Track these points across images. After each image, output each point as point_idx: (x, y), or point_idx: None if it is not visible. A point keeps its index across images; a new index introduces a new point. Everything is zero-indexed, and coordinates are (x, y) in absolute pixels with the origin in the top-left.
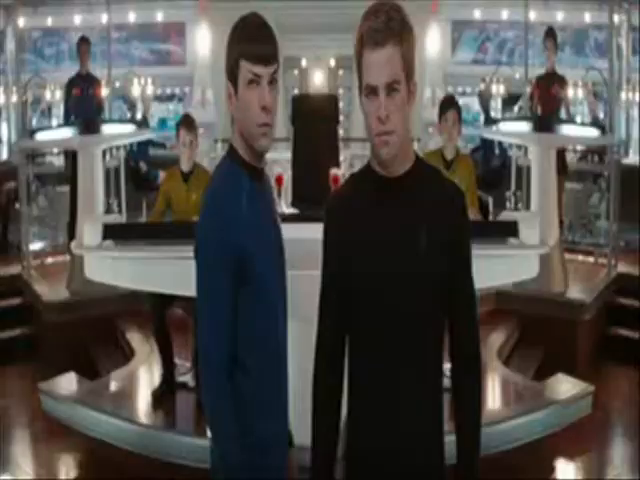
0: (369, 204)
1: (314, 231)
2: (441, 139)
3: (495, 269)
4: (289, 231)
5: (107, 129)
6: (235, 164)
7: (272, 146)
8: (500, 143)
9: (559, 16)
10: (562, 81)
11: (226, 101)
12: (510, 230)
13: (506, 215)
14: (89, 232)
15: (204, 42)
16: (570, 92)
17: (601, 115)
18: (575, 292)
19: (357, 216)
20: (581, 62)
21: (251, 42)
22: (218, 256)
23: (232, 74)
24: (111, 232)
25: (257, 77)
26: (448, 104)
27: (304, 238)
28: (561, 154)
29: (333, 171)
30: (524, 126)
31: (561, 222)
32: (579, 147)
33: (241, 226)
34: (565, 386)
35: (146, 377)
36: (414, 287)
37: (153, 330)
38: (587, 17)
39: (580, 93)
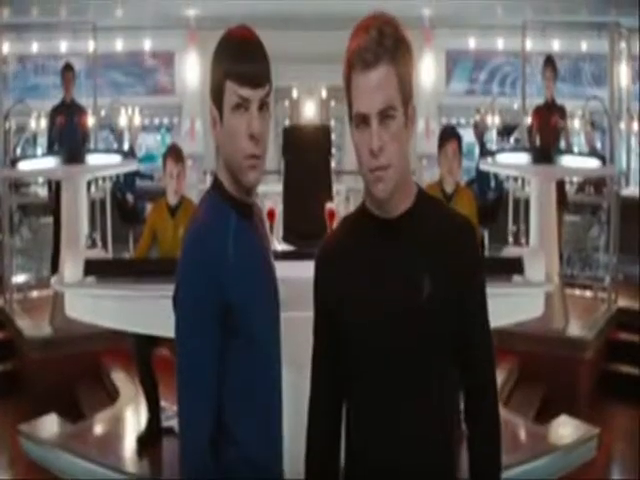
0: (366, 250)
1: (308, 269)
2: (440, 171)
3: (499, 309)
4: (281, 269)
5: (92, 159)
6: (220, 199)
7: (262, 179)
8: (496, 175)
9: (556, 45)
10: (562, 111)
11: (210, 128)
12: (515, 267)
13: (509, 251)
14: (70, 267)
15: (193, 71)
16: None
17: (598, 145)
18: (576, 329)
19: (352, 264)
20: (577, 92)
21: (238, 60)
22: (200, 308)
23: (217, 97)
24: (93, 268)
25: (245, 101)
26: (448, 135)
27: (297, 277)
28: (560, 186)
29: (329, 205)
30: (522, 157)
31: (560, 256)
32: (575, 179)
33: (227, 271)
34: (569, 429)
35: (131, 420)
36: (420, 339)
37: (137, 372)
38: (584, 46)
39: (577, 123)
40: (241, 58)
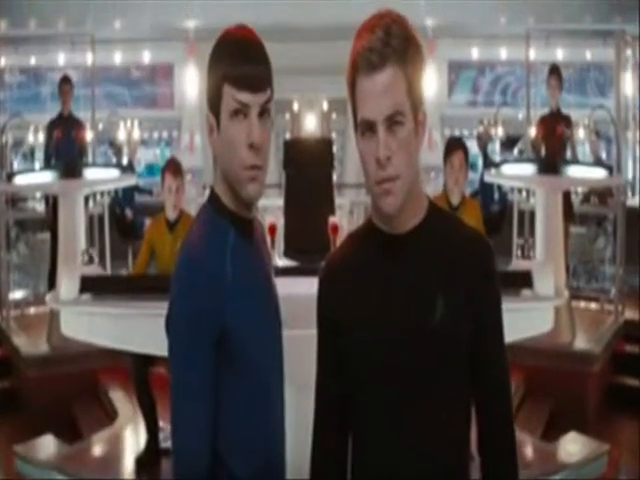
0: (373, 268)
1: (311, 285)
2: (446, 183)
3: (508, 324)
4: (283, 286)
5: (90, 173)
6: (218, 214)
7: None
8: (499, 187)
9: (560, 54)
10: (567, 120)
11: (207, 136)
12: (524, 281)
13: (517, 264)
14: (66, 284)
15: (193, 84)
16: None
17: (603, 155)
18: (583, 342)
19: (359, 283)
20: (582, 101)
21: (237, 62)
22: (195, 333)
23: (214, 102)
24: (89, 285)
25: (244, 107)
26: (454, 146)
27: (300, 294)
28: (566, 197)
29: (332, 219)
30: (528, 168)
31: (567, 268)
32: (580, 189)
33: (225, 294)
34: (578, 446)
35: (129, 441)
36: (431, 360)
37: (135, 391)
38: (588, 55)
39: (581, 133)
40: (240, 60)
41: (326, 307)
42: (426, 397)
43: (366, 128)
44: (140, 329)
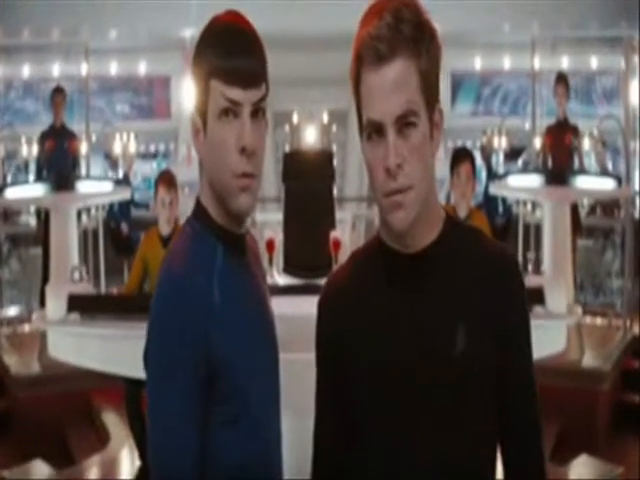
0: (382, 292)
1: (311, 305)
2: (453, 195)
3: None
4: (281, 305)
5: (83, 186)
6: (204, 229)
7: (257, 206)
8: (504, 200)
9: (565, 62)
10: (575, 130)
11: (192, 138)
12: (536, 297)
13: (527, 280)
14: (52, 303)
15: (190, 95)
16: None
17: (609, 166)
18: (591, 359)
19: (365, 310)
20: (588, 110)
21: (226, 53)
22: (179, 372)
23: (200, 100)
24: (77, 304)
25: (234, 105)
26: (461, 156)
27: (299, 314)
28: (574, 209)
29: (334, 234)
30: (534, 179)
31: (574, 282)
32: (586, 200)
33: (213, 325)
34: (590, 469)
35: (123, 466)
36: (449, 398)
37: (127, 415)
38: (595, 62)
39: (587, 143)
40: (230, 50)
41: (326, 336)
42: (443, 440)
43: (373, 131)
44: (130, 351)
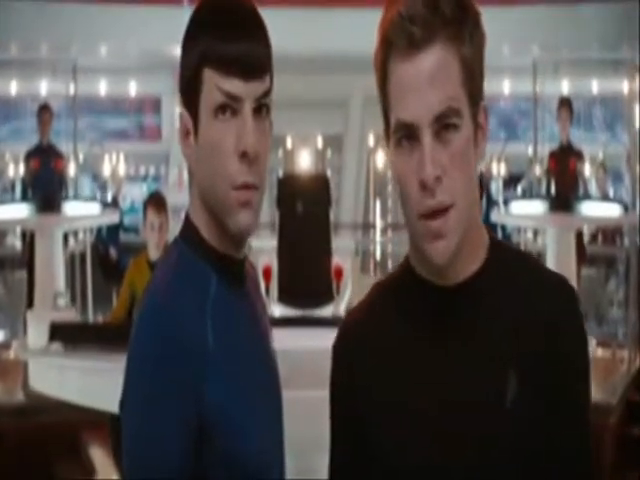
0: (413, 333)
1: (311, 338)
2: None
3: None
4: (280, 339)
5: (69, 208)
6: (194, 254)
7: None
8: (503, 227)
9: (566, 86)
10: (580, 155)
11: (180, 142)
12: None
13: None
14: (34, 331)
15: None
16: None
17: (611, 192)
18: (597, 392)
19: (392, 354)
20: (589, 136)
21: (222, 37)
22: (164, 429)
23: (190, 94)
24: (60, 333)
25: (233, 100)
26: None
27: (299, 348)
28: (578, 237)
29: (336, 261)
30: (537, 206)
31: None
32: (586, 228)
33: (204, 368)
34: None
35: None
36: (498, 461)
37: (112, 449)
38: (596, 86)
39: (588, 168)
40: (227, 33)
41: (344, 388)
42: None
43: (404, 135)
44: (113, 385)
